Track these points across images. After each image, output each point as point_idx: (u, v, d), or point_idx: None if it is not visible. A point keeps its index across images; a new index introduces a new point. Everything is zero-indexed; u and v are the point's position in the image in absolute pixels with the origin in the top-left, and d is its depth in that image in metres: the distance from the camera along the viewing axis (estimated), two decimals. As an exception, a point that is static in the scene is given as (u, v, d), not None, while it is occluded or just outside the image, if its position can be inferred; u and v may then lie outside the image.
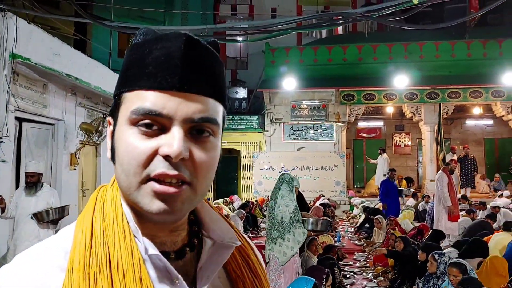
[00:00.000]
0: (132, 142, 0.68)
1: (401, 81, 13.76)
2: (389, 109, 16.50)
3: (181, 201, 0.69)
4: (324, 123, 14.95)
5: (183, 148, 0.67)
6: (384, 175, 13.78)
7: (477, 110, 16.30)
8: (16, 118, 6.65)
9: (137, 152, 0.68)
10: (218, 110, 0.73)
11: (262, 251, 5.62)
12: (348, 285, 6.12)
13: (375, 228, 8.67)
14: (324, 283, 3.97)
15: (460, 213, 9.64)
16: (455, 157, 13.33)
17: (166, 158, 0.67)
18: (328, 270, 4.32)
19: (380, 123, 18.69)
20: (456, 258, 5.30)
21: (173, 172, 0.67)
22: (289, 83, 14.19)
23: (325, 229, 6.18)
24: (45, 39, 7.00)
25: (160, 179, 0.67)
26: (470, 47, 14.55)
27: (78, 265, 0.67)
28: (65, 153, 7.81)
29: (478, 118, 17.58)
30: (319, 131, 15.05)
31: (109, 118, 0.76)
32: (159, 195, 0.67)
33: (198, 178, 0.70)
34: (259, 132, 15.60)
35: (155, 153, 0.67)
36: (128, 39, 14.34)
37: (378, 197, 11.99)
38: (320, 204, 10.74)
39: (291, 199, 5.03)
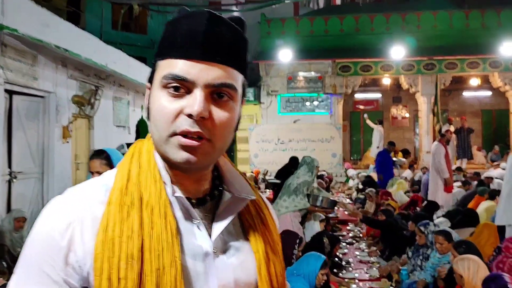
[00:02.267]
0: (162, 102, 0.81)
1: (398, 52, 13.62)
2: (386, 81, 16.36)
3: (201, 153, 0.81)
4: (321, 94, 14.86)
5: (203, 108, 0.79)
6: (377, 147, 13.78)
7: (474, 81, 16.17)
8: (6, 90, 6.55)
9: (166, 111, 0.80)
10: (237, 78, 0.85)
11: None
12: (341, 255, 6.17)
13: (367, 200, 8.71)
14: (296, 248, 4.03)
15: (456, 184, 9.67)
16: (451, 128, 13.30)
17: (189, 116, 0.79)
18: (302, 236, 4.36)
19: (377, 95, 18.58)
20: (447, 227, 5.34)
21: (195, 129, 0.79)
22: (285, 54, 14.05)
23: (331, 207, 6.56)
24: (34, 10, 6.84)
25: (183, 134, 0.80)
26: (468, 17, 14.35)
27: (115, 200, 0.81)
28: (57, 126, 7.74)
29: (475, 90, 17.46)
30: (315, 103, 14.98)
31: (148, 84, 0.89)
32: (183, 147, 0.80)
33: (216, 135, 0.82)
34: (255, 105, 15.52)
35: (179, 112, 0.80)
36: (121, 10, 14.12)
37: (374, 168, 12.00)
38: (317, 176, 10.77)
39: (304, 175, 5.83)
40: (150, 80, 0.88)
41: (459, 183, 10.04)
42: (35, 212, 7.41)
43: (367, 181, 10.49)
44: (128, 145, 10.66)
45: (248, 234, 0.93)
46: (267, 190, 12.01)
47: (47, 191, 7.66)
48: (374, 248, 6.61)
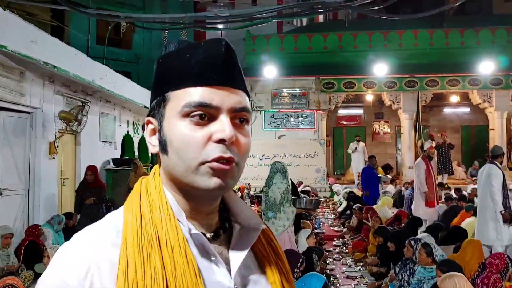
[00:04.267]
0: (187, 132, 0.80)
1: (381, 69, 13.89)
2: (369, 97, 16.64)
3: (230, 177, 0.81)
4: (305, 111, 15.03)
5: (233, 132, 0.80)
6: (366, 161, 13.95)
7: (454, 98, 16.56)
8: (-7, 106, 6.55)
9: (194, 140, 0.79)
10: (248, 101, 0.87)
11: None
12: (328, 271, 6.23)
13: (353, 216, 8.82)
14: (298, 267, 4.11)
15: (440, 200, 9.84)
16: (433, 144, 13.57)
17: (220, 142, 0.79)
18: (304, 256, 4.44)
19: (360, 111, 18.84)
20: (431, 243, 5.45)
21: (227, 154, 0.79)
22: (270, 71, 14.20)
23: (316, 207, 6.65)
24: (21, 26, 6.84)
25: (216, 162, 0.79)
26: (448, 36, 14.74)
27: (132, 241, 0.77)
28: (44, 142, 7.71)
29: (455, 106, 17.85)
30: (299, 119, 15.13)
31: (149, 118, 0.88)
32: (216, 172, 0.79)
33: (241, 158, 0.83)
34: (247, 117, 15.59)
35: (208, 140, 0.79)
36: (107, 26, 14.13)
37: (359, 184, 12.13)
38: (302, 192, 10.86)
39: (282, 183, 5.70)
40: (153, 113, 0.87)
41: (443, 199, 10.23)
42: (20, 228, 7.32)
43: (352, 197, 10.61)
44: (114, 161, 10.64)
45: (264, 266, 0.92)
46: (252, 205, 12.05)
47: (33, 208, 7.59)
48: (361, 264, 6.69)
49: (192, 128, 0.80)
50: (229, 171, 0.81)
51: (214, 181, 0.80)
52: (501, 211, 6.15)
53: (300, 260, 4.23)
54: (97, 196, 7.79)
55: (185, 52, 0.84)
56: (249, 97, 0.89)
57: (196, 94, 0.80)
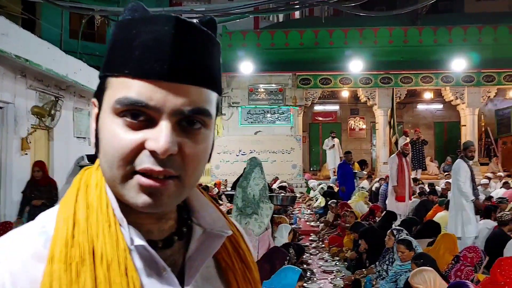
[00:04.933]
0: (116, 133, 0.63)
1: (356, 65, 14.04)
2: (345, 93, 16.83)
3: (167, 195, 0.65)
4: (281, 107, 15.09)
5: (171, 143, 0.62)
6: (341, 157, 14.11)
7: (428, 95, 16.88)
8: (-38, 101, 6.38)
9: (122, 145, 0.63)
10: (211, 99, 0.68)
11: None
12: (305, 266, 6.28)
13: (329, 211, 8.91)
14: (286, 264, 4.17)
15: (414, 195, 10.03)
16: (407, 140, 13.80)
17: (153, 153, 0.62)
18: (289, 255, 4.50)
19: (335, 107, 19.02)
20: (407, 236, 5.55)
21: (159, 168, 0.62)
22: (246, 66, 14.20)
23: (292, 203, 6.72)
24: (-9, 18, 6.70)
25: (146, 174, 0.63)
26: (421, 33, 15.00)
27: (59, 255, 0.62)
28: (16, 137, 7.55)
29: (428, 103, 18.22)
30: (276, 115, 15.18)
31: (94, 100, 0.70)
32: (145, 189, 0.63)
33: (187, 172, 0.66)
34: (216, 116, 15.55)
35: (141, 147, 0.63)
36: (80, 20, 13.88)
37: (336, 180, 12.24)
38: (279, 187, 10.93)
39: (260, 178, 5.64)
40: (97, 96, 0.69)
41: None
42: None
43: (328, 192, 10.71)
44: (88, 156, 10.46)
45: (227, 277, 0.76)
46: (229, 203, 12.02)
47: (4, 204, 7.44)
48: (338, 258, 6.76)
49: (124, 129, 0.63)
50: (164, 189, 0.64)
51: (143, 199, 0.64)
52: (472, 200, 6.28)
53: (288, 258, 4.29)
54: (47, 195, 6.58)
55: (133, 26, 0.65)
56: (220, 93, 0.71)
57: (133, 89, 0.62)
